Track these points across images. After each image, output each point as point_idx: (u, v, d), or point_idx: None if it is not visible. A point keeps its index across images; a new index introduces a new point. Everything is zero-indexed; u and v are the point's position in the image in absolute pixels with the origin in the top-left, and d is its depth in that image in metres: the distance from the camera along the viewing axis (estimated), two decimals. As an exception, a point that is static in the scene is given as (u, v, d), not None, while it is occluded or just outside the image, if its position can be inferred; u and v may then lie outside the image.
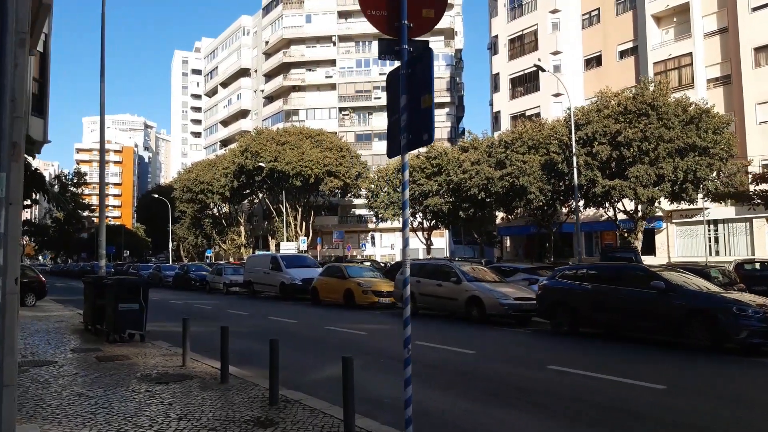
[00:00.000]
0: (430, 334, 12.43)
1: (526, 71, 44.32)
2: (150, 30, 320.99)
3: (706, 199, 27.32)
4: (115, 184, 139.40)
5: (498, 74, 47.41)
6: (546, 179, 28.34)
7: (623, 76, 36.50)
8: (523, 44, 45.10)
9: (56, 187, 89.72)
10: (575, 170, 24.66)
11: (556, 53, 42.45)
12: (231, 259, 62.38)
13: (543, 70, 25.19)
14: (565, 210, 33.46)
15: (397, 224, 47.35)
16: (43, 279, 21.16)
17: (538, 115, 40.91)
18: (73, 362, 8.92)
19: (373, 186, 42.18)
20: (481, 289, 13.98)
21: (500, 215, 39.60)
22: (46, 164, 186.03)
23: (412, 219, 42.20)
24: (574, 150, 24.80)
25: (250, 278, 25.54)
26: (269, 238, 64.18)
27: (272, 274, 23.82)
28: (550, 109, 41.19)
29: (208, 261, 62.52)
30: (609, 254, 24.29)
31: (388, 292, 18.42)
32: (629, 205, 28.67)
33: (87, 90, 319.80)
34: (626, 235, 28.71)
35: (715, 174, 25.85)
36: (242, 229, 66.13)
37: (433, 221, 39.55)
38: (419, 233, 43.11)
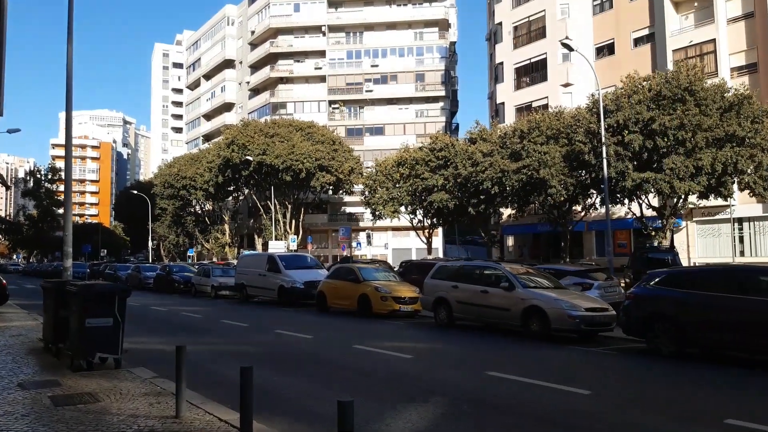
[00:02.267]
0: (497, 357, 9.78)
1: (532, 60, 41.94)
2: (129, 22, 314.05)
3: (747, 193, 25.10)
4: (92, 181, 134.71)
5: (501, 64, 44.91)
6: (568, 172, 25.88)
7: (638, 64, 34.12)
8: (529, 32, 42.68)
9: (30, 182, 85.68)
10: (605, 161, 22.20)
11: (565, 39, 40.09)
12: (214, 259, 59.17)
13: (571, 50, 22.61)
14: (578, 207, 31.09)
15: (396, 222, 44.69)
16: (4, 281, 18.06)
17: (545, 106, 38.50)
18: (15, 409, 6.08)
19: (370, 181, 39.31)
20: (542, 298, 11.33)
21: (506, 212, 37.13)
22: (21, 160, 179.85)
23: (412, 216, 39.58)
24: (603, 138, 22.35)
25: (242, 281, 22.64)
26: (255, 236, 61.05)
27: (269, 276, 20.97)
28: (559, 99, 38.76)
29: (190, 261, 59.22)
30: (643, 255, 21.95)
31: (410, 299, 15.74)
32: (654, 200, 26.42)
33: (64, 85, 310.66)
34: (653, 233, 26.37)
35: (753, 167, 23.64)
36: (227, 227, 62.89)
37: (436, 218, 36.85)
38: (419, 232, 40.50)
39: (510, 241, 44.50)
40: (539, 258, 35.92)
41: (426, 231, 39.96)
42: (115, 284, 9.05)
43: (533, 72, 42.01)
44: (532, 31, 42.07)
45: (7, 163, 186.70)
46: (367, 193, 40.33)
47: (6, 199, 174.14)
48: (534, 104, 40.57)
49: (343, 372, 8.38)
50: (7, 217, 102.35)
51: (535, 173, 26.31)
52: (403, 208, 38.60)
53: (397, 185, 36.75)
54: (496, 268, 12.85)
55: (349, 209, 65.01)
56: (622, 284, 18.35)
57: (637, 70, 26.53)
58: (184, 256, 65.90)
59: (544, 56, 41.09)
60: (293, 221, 54.27)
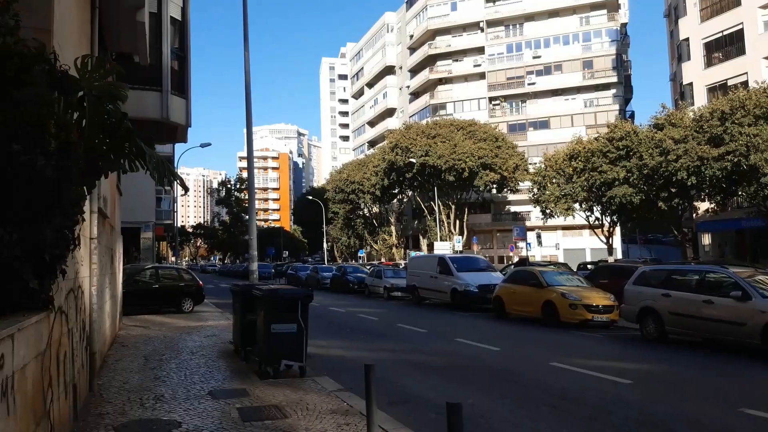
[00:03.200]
0: (747, 388, 7.88)
1: (725, 32, 36.43)
2: (299, 41, 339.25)
3: None
4: (274, 189, 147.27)
5: (686, 40, 39.70)
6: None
7: None
8: (720, 0, 37.20)
9: (222, 192, 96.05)
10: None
11: (766, 6, 34.21)
12: (383, 260, 60.76)
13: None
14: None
15: (568, 221, 41.76)
16: (200, 282, 19.66)
17: (745, 83, 33.13)
18: (204, 423, 5.95)
19: (539, 177, 37.01)
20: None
21: (703, 206, 32.54)
22: (215, 173, 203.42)
23: (588, 214, 36.55)
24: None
25: (414, 282, 22.31)
26: (420, 237, 61.49)
27: (440, 278, 20.34)
28: (762, 74, 33.10)
29: (360, 261, 61.51)
30: None
31: (605, 307, 13.95)
32: None
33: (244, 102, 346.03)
34: None
35: None
36: (393, 229, 64.26)
37: (617, 215, 33.44)
38: (596, 231, 37.24)
39: (706, 239, 39.10)
40: (745, 258, 30.91)
41: (605, 230, 36.62)
42: (299, 289, 8.87)
43: (727, 46, 36.45)
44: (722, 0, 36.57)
45: (203, 176, 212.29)
46: (535, 190, 38.09)
47: (203, 207, 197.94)
48: (730, 82, 35.17)
49: (546, 396, 7.22)
50: (205, 224, 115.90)
51: (742, 159, 22.47)
52: (577, 206, 35.73)
53: (571, 180, 34.06)
54: (722, 273, 10.63)
55: (513, 208, 62.62)
56: None
57: None
58: (355, 257, 68.78)
59: (740, 26, 35.48)
60: (457, 222, 53.55)
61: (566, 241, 57.95)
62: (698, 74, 37.98)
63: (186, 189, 5.65)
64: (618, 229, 49.37)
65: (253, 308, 9.60)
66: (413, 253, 51.76)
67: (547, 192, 36.19)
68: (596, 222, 37.08)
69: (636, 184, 28.96)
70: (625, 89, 61.91)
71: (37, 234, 3.81)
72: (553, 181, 36.36)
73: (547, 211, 37.66)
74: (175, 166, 44.08)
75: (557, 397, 7.14)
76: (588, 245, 59.62)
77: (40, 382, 4.04)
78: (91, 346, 7.30)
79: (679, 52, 43.04)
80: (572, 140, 36.28)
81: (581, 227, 54.78)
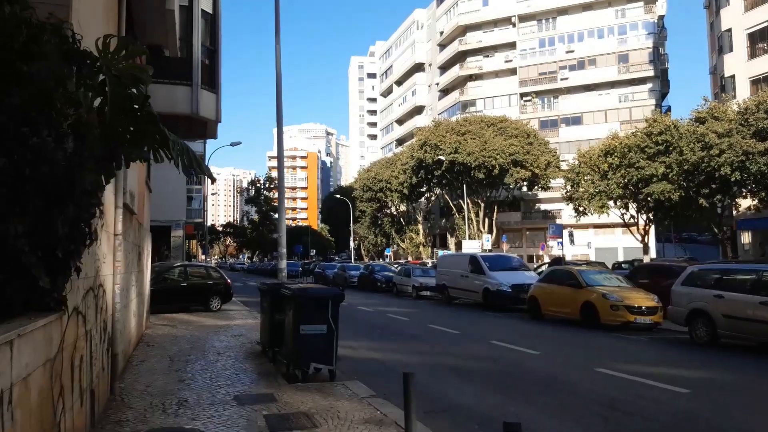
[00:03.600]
0: None
1: (772, 21, 34.92)
2: (329, 40, 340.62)
3: None
4: (302, 188, 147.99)
5: (728, 31, 38.19)
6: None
7: None
8: (765, -12, 35.61)
9: (252, 191, 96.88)
10: None
11: (815, -7, 32.63)
12: (410, 258, 60.27)
13: None
14: None
15: (600, 219, 40.61)
16: (228, 281, 19.47)
17: (793, 74, 31.68)
18: (230, 429, 5.57)
19: (573, 174, 35.97)
20: None
21: (745, 203, 31.17)
22: (245, 172, 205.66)
23: (623, 212, 35.43)
24: None
25: (443, 281, 21.78)
26: (448, 236, 60.80)
27: (472, 277, 19.76)
28: (811, 64, 31.64)
29: (387, 260, 61.13)
30: None
31: (648, 309, 13.22)
32: None
33: (274, 103, 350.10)
34: None
35: None
36: (420, 227, 63.71)
37: (653, 213, 32.24)
38: (631, 229, 36.06)
39: (746, 237, 37.56)
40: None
41: (640, 228, 35.44)
42: (329, 288, 8.47)
43: (774, 35, 34.91)
44: (771, -15, 34.97)
45: (233, 175, 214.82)
46: (568, 187, 37.08)
47: (233, 206, 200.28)
48: (777, 73, 33.69)
49: (597, 407, 6.64)
50: (235, 222, 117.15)
51: (792, 154, 21.32)
52: (612, 203, 34.63)
53: (606, 177, 33.00)
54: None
55: (544, 206, 61.43)
56: None
57: None
58: (382, 255, 68.45)
59: None
60: (486, 220, 52.72)
61: (598, 240, 56.53)
62: (741, 66, 36.47)
63: (213, 179, 5.29)
64: (652, 228, 47.97)
65: (281, 308, 9.25)
66: (441, 252, 51.17)
67: (581, 189, 35.17)
68: (631, 220, 35.94)
69: (675, 181, 27.82)
70: (661, 83, 60.08)
71: (48, 226, 3.45)
72: (587, 177, 35.31)
73: (581, 208, 36.65)
74: (206, 163, 44.34)
75: (608, 408, 6.57)
76: (621, 244, 58.05)
77: (49, 390, 3.69)
78: (113, 348, 7.02)
79: (720, 43, 41.47)
80: (608, 136, 35.18)
81: (613, 225, 53.29)
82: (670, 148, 28.12)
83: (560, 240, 23.98)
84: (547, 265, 26.00)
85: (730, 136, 24.03)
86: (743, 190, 25.47)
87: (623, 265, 26.56)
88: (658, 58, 58.88)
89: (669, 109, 61.34)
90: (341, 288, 8.08)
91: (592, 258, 52.32)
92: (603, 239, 56.47)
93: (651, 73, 57.55)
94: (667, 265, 16.67)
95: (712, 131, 25.35)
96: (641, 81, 58.08)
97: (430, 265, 33.19)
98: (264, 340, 10.33)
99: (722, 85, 40.57)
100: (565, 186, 37.35)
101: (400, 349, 11.07)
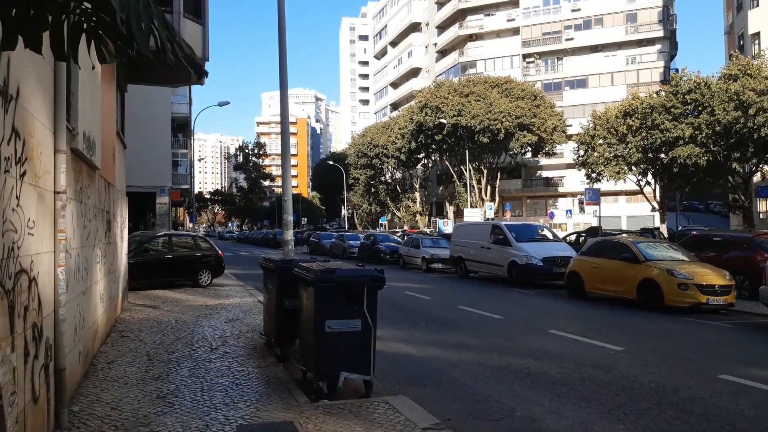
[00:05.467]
0: None
1: (802, -27, 32.41)
2: (319, 1, 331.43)
3: None
4: (292, 155, 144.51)
5: (754, -16, 35.65)
6: None
7: None
8: (797, -64, 33.00)
9: (240, 157, 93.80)
10: None
11: None
12: (405, 227, 58.12)
13: None
14: None
15: (607, 187, 38.38)
16: (220, 252, 17.16)
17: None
18: None
19: (587, 137, 33.59)
20: None
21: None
22: (232, 139, 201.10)
23: (640, 178, 33.32)
24: None
25: (460, 254, 19.59)
26: (446, 204, 58.65)
27: (495, 249, 17.57)
28: None
29: (381, 229, 58.96)
30: None
31: (722, 288, 11.14)
32: None
33: (262, 68, 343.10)
34: None
35: None
36: (417, 195, 61.40)
37: (676, 180, 30.03)
38: (646, 197, 34.01)
39: (761, 206, 35.73)
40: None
41: (657, 195, 33.40)
42: (362, 269, 6.18)
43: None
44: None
45: (221, 142, 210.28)
46: (581, 152, 34.79)
47: (221, 174, 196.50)
48: (808, 29, 31.34)
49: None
50: (222, 189, 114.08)
51: None
52: (627, 168, 32.39)
53: (624, 140, 30.70)
54: None
55: (545, 173, 59.33)
56: None
57: None
58: (376, 224, 66.25)
59: None
60: (488, 187, 50.51)
61: (602, 209, 54.71)
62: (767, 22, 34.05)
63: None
64: (658, 196, 46.07)
65: (293, 293, 6.99)
66: (440, 221, 49.01)
67: (596, 153, 32.89)
68: (647, 187, 33.84)
69: (705, 143, 25.60)
70: (670, 45, 57.52)
71: None
72: (601, 141, 32.99)
73: (593, 174, 34.46)
74: (192, 127, 41.49)
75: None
76: (625, 212, 56.25)
77: None
78: (57, 362, 4.73)
79: (739, 0, 38.98)
80: (628, 95, 32.75)
81: (618, 193, 51.41)
82: (699, 108, 25.79)
83: (596, 207, 21.74)
84: (581, 236, 23.86)
85: (771, 94, 21.79)
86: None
87: (645, 234, 24.46)
88: (667, 17, 56.16)
89: (677, 71, 58.98)
90: (380, 270, 5.70)
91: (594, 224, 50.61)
92: (606, 208, 54.63)
93: (660, 33, 54.93)
94: (727, 235, 14.56)
95: (749, 89, 23.04)
96: (650, 42, 55.46)
97: (429, 234, 31.04)
98: (269, 331, 8.09)
99: (740, 44, 38.20)
100: (578, 150, 35.03)
101: (438, 341, 8.88)
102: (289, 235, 9.58)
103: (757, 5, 34.90)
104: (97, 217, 7.82)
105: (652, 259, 11.99)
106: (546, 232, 18.35)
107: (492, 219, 40.43)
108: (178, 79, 12.79)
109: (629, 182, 34.09)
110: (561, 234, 31.10)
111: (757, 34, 34.74)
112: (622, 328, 9.92)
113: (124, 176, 13.34)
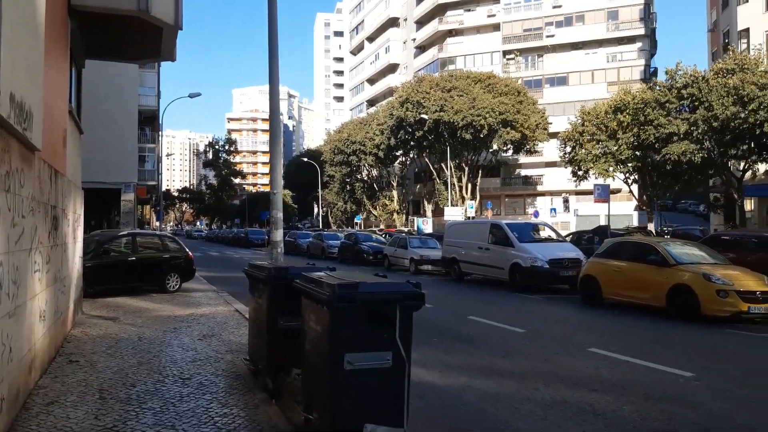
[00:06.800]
0: None
1: (790, -31, 31.93)
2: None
3: None
4: (264, 152, 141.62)
5: (741, -20, 35.09)
6: None
7: None
8: (784, -68, 32.51)
9: (210, 153, 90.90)
10: None
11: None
12: (382, 226, 56.64)
13: None
14: None
15: (585, 186, 37.37)
16: (190, 254, 15.37)
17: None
18: None
19: (576, 134, 32.53)
20: None
21: (762, 167, 28.42)
22: (201, 136, 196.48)
23: (628, 176, 32.47)
24: None
25: (454, 255, 18.15)
26: (424, 202, 57.36)
27: (495, 250, 16.17)
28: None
29: (357, 228, 57.37)
30: None
31: (763, 294, 9.92)
32: None
33: (233, 64, 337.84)
34: None
35: None
36: (395, 193, 59.94)
37: (664, 178, 29.15)
38: (633, 195, 33.19)
39: (750, 204, 35.26)
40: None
41: (645, 194, 32.60)
42: (392, 283, 4.61)
43: (796, -17, 31.96)
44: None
45: (189, 138, 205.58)
46: (568, 149, 33.77)
47: (189, 171, 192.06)
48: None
49: None
50: (191, 187, 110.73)
51: None
52: (615, 166, 31.42)
53: (614, 137, 29.72)
54: None
55: (524, 171, 58.55)
56: None
57: None
58: (351, 223, 64.63)
59: None
60: (469, 185, 49.34)
61: (580, 207, 54.08)
62: (758, 18, 33.49)
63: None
64: (636, 196, 45.46)
65: (293, 310, 5.41)
66: (419, 220, 47.67)
67: (583, 150, 31.89)
68: (633, 185, 33.03)
69: (700, 140, 24.70)
70: (650, 43, 57.29)
71: None
72: (589, 138, 31.93)
73: (580, 172, 33.51)
74: (160, 121, 39.21)
75: None
76: (603, 211, 55.82)
77: None
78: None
79: (725, -2, 38.59)
80: (619, 90, 31.80)
81: (590, 192, 50.87)
82: (696, 103, 24.89)
83: (607, 203, 20.52)
84: (583, 236, 22.61)
85: (772, 88, 20.93)
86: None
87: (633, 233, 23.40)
88: (648, 15, 55.88)
89: (656, 70, 58.79)
90: (417, 285, 3.91)
91: (573, 226, 49.87)
92: (585, 206, 54.04)
93: (641, 31, 54.60)
94: (752, 235, 13.43)
95: (750, 83, 22.17)
96: (630, 40, 55.09)
97: (407, 233, 29.64)
98: (256, 356, 6.47)
99: (726, 42, 37.74)
100: (564, 147, 34.01)
101: (460, 364, 7.37)
102: (279, 235, 7.96)
103: (747, 1, 34.34)
104: (35, 212, 6.08)
105: (684, 263, 10.71)
106: (549, 232, 17.03)
107: (472, 218, 39.23)
108: (146, 53, 11.00)
109: (609, 180, 33.22)
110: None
111: (746, 30, 34.18)
112: (670, 344, 8.56)
113: (80, 166, 11.48)
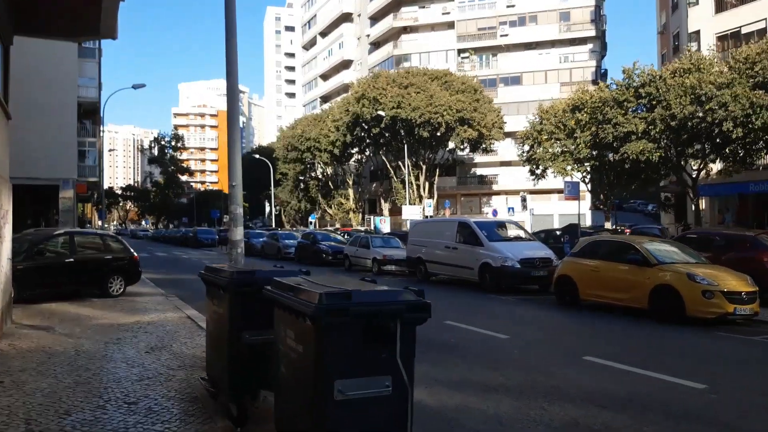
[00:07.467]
0: None
1: (739, -27, 32.79)
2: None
3: None
4: (212, 149, 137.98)
5: (693, -17, 35.88)
6: None
7: None
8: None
9: (155, 149, 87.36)
10: None
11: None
12: (337, 225, 55.61)
13: None
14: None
15: (540, 185, 37.43)
16: (135, 255, 14.07)
17: (762, 31, 29.70)
18: None
19: (534, 132, 32.45)
20: None
21: (715, 167, 29.00)
22: (146, 131, 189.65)
23: (585, 174, 32.66)
24: None
25: (419, 254, 17.43)
26: (381, 201, 56.69)
27: (463, 249, 15.54)
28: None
29: (311, 227, 56.19)
30: None
31: (748, 295, 9.61)
32: None
33: (180, 58, 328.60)
34: None
35: None
36: (350, 191, 58.99)
37: (621, 177, 29.40)
38: (592, 194, 33.46)
39: (703, 203, 36.10)
40: (752, 226, 27.87)
41: (603, 193, 32.90)
42: (389, 291, 3.78)
43: (743, -13, 32.85)
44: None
45: (133, 134, 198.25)
46: (526, 147, 33.72)
47: (133, 168, 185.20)
48: (744, 29, 31.70)
49: None
50: (135, 185, 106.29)
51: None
52: (571, 165, 31.53)
53: (572, 136, 29.78)
54: None
55: (480, 171, 58.73)
56: None
57: None
58: (305, 222, 63.30)
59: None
60: (427, 184, 48.93)
61: (534, 206, 54.63)
62: (708, 21, 34.30)
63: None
64: (588, 195, 46.13)
65: (259, 321, 4.54)
66: (377, 219, 46.98)
67: (542, 148, 31.87)
68: (590, 184, 33.30)
69: (657, 139, 24.92)
70: (601, 45, 58.44)
71: None
72: (547, 137, 31.94)
73: (538, 171, 33.52)
74: (102, 114, 36.96)
75: None
76: (557, 211, 56.48)
77: None
78: None
79: (675, 0, 39.48)
80: (577, 89, 31.90)
81: (550, 191, 51.37)
82: (653, 102, 25.08)
83: (575, 200, 20.23)
84: (562, 233, 22.15)
85: (732, 87, 21.18)
86: (744, 147, 22.75)
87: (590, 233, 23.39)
88: (598, 17, 56.94)
89: (606, 72, 60.01)
90: (422, 291, 2.97)
91: (529, 225, 50.27)
92: (539, 206, 54.59)
93: (592, 33, 55.55)
94: (726, 234, 13.27)
95: (709, 83, 22.43)
96: (582, 41, 55.97)
97: (364, 232, 28.86)
98: (216, 375, 5.51)
99: (675, 45, 38.62)
100: (522, 145, 33.94)
101: (448, 379, 6.59)
102: (239, 233, 6.97)
103: (697, 3, 35.11)
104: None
105: (665, 262, 10.31)
106: (518, 230, 16.53)
107: (431, 217, 38.81)
108: (84, 30, 9.76)
109: (560, 180, 33.37)
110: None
111: (697, 33, 34.95)
112: (667, 350, 8.05)
113: (8, 155, 10.13)
